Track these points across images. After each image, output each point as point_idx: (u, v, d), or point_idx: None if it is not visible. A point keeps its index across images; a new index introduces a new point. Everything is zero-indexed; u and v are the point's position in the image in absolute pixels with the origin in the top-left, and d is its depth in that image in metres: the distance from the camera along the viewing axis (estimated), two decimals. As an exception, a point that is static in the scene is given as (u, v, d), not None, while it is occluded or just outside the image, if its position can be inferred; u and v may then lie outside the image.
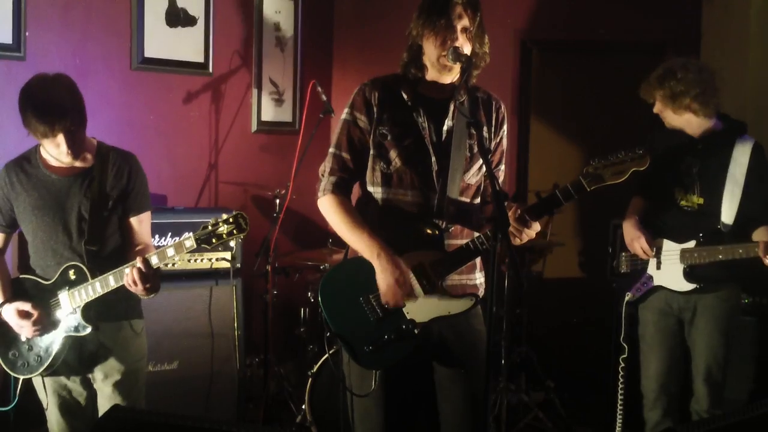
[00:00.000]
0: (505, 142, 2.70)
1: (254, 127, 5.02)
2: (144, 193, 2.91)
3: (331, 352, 2.69)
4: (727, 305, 3.29)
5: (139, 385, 2.92)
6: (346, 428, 2.70)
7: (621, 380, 3.55)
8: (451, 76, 2.56)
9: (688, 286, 3.26)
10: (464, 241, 2.50)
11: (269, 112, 5.10)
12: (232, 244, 2.61)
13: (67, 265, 2.76)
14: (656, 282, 3.37)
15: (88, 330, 2.75)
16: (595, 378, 4.43)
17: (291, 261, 4.46)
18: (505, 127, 2.68)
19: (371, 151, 2.56)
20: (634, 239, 3.38)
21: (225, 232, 2.57)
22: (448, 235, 2.52)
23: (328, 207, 2.57)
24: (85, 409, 2.92)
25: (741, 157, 3.23)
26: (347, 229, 2.53)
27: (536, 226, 2.39)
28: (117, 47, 4.35)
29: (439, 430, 2.61)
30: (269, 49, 5.06)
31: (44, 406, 2.92)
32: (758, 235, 3.18)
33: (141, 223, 2.90)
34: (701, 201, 3.27)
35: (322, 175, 2.61)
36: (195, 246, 2.59)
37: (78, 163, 2.79)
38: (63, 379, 2.87)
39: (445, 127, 2.56)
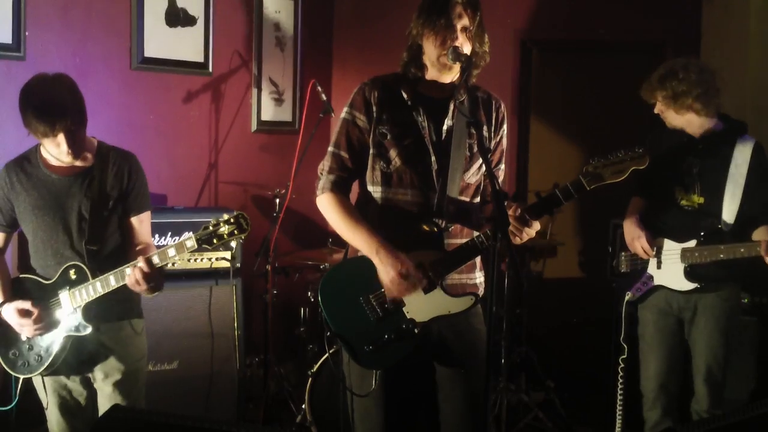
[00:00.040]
0: (504, 141, 2.70)
1: (254, 126, 5.02)
2: (144, 192, 2.91)
3: (331, 351, 2.69)
4: (728, 305, 3.29)
5: (139, 385, 2.92)
6: (346, 428, 2.70)
7: (621, 380, 3.55)
8: (451, 76, 2.56)
9: (689, 286, 3.26)
10: (464, 241, 2.50)
11: (269, 111, 5.10)
12: (233, 244, 2.60)
13: (67, 264, 2.76)
14: (657, 281, 3.37)
15: (89, 330, 2.75)
16: (595, 378, 4.43)
17: (291, 261, 4.46)
18: (504, 126, 2.68)
19: (371, 151, 2.56)
20: (635, 238, 3.38)
21: (226, 232, 2.57)
22: (447, 234, 2.52)
23: (326, 205, 2.57)
24: (85, 409, 2.92)
25: (742, 157, 3.23)
26: (346, 227, 2.53)
27: (536, 226, 2.39)
28: (117, 47, 4.35)
29: (439, 429, 2.60)
30: (269, 49, 5.06)
31: (44, 405, 2.92)
32: (759, 234, 3.18)
33: (141, 223, 2.90)
34: (702, 200, 3.27)
35: (321, 174, 2.61)
36: (196, 246, 2.59)
37: (78, 163, 2.79)
38: (63, 379, 2.87)
39: (444, 127, 2.56)
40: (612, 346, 3.83)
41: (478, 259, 2.63)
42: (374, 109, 2.55)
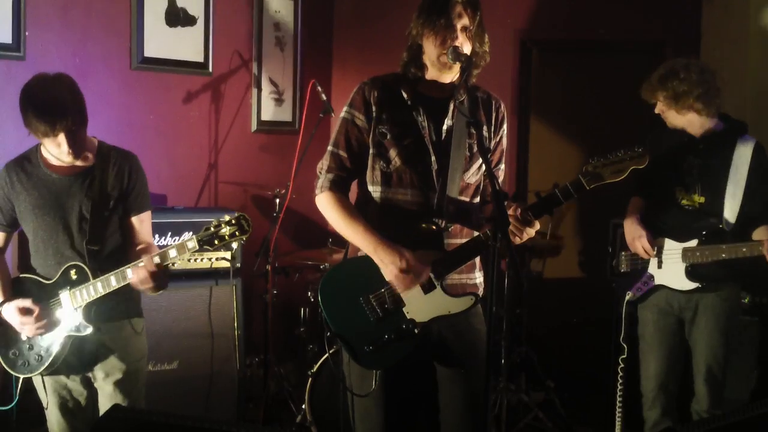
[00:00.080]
0: (504, 141, 2.70)
1: (254, 126, 5.02)
2: (144, 192, 2.92)
3: (331, 352, 2.69)
4: (728, 304, 3.29)
5: (139, 385, 2.92)
6: (346, 428, 2.70)
7: (620, 380, 3.55)
8: (451, 76, 2.56)
9: (690, 285, 3.26)
10: (464, 241, 2.50)
11: (269, 111, 5.10)
12: (234, 245, 2.60)
13: (68, 264, 2.76)
14: (657, 281, 3.37)
15: (89, 330, 2.75)
16: (595, 378, 4.43)
17: (291, 261, 4.46)
18: (504, 126, 2.68)
19: (371, 150, 2.56)
20: (636, 238, 3.38)
21: (227, 233, 2.57)
22: (447, 234, 2.52)
23: (325, 204, 2.57)
24: (85, 409, 2.92)
25: (742, 157, 3.24)
26: (345, 226, 2.54)
27: (536, 225, 2.40)
28: (117, 47, 4.35)
29: (439, 430, 2.60)
30: (269, 49, 5.06)
31: (44, 405, 2.92)
32: (759, 234, 3.18)
33: (142, 223, 2.90)
34: (702, 200, 3.27)
35: (320, 173, 2.61)
36: (197, 247, 2.59)
37: (79, 163, 2.79)
38: (63, 379, 2.87)
39: (444, 127, 2.56)
40: (612, 346, 3.83)
41: (477, 259, 2.63)
42: (374, 108, 2.55)
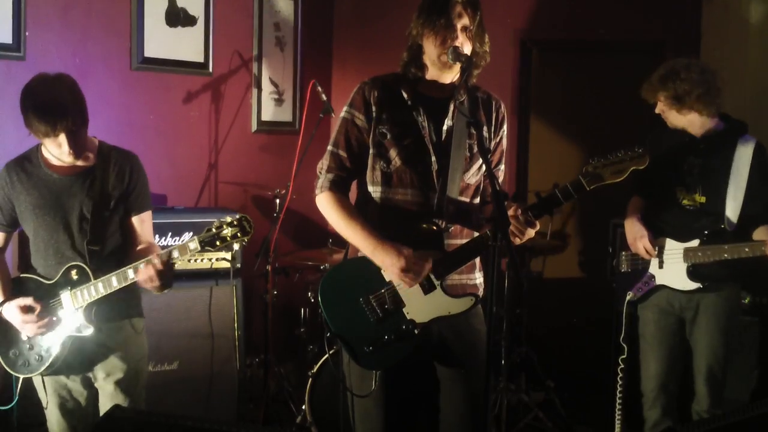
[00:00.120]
0: (504, 142, 2.70)
1: (254, 126, 5.02)
2: (145, 192, 2.92)
3: (331, 352, 2.69)
4: (729, 304, 3.30)
5: (140, 385, 2.92)
6: (347, 428, 2.70)
7: (620, 380, 3.55)
8: (451, 76, 2.56)
9: (692, 285, 3.26)
10: (464, 241, 2.50)
11: (269, 111, 5.10)
12: (236, 246, 2.60)
13: (69, 265, 2.76)
14: (658, 281, 3.37)
15: (90, 330, 2.75)
16: (595, 378, 4.43)
17: (291, 261, 4.46)
18: (504, 127, 2.68)
19: (371, 150, 2.56)
20: (637, 238, 3.38)
21: (229, 234, 2.57)
22: (447, 234, 2.52)
23: (325, 204, 2.57)
24: (85, 409, 2.92)
25: (743, 157, 3.24)
26: (344, 226, 2.54)
27: (536, 226, 2.40)
28: (117, 47, 4.35)
29: (439, 430, 2.61)
30: (269, 49, 5.06)
31: (44, 406, 2.92)
32: (760, 234, 3.18)
33: (143, 223, 2.90)
34: (703, 200, 3.28)
35: (320, 173, 2.61)
36: (199, 248, 2.59)
37: (80, 163, 2.79)
38: (63, 379, 2.87)
39: (444, 127, 2.56)
40: (612, 346, 3.83)
41: (477, 260, 2.63)
42: (374, 108, 2.55)
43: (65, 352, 2.77)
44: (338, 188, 2.57)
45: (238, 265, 4.11)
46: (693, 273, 3.26)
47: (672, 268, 3.32)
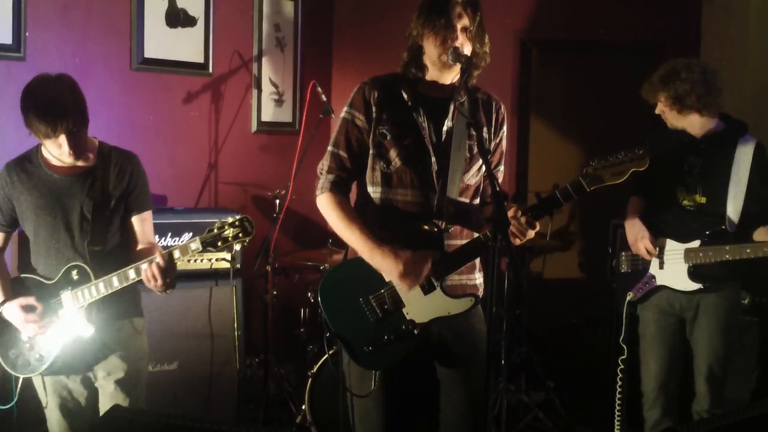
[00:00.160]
0: (504, 142, 2.70)
1: (254, 127, 5.02)
2: (146, 192, 2.92)
3: (330, 352, 2.69)
4: (729, 304, 3.30)
5: (140, 385, 2.92)
6: (346, 429, 2.70)
7: (620, 380, 3.55)
8: (452, 76, 2.56)
9: (693, 286, 3.26)
10: (464, 242, 2.50)
11: (269, 112, 5.10)
12: (237, 247, 2.60)
13: (69, 265, 2.76)
14: (659, 282, 3.37)
15: (91, 330, 2.75)
16: (595, 378, 4.43)
17: (291, 261, 4.46)
18: (504, 127, 2.68)
19: (371, 151, 2.56)
20: (639, 239, 3.38)
21: (231, 235, 2.57)
22: (447, 235, 2.52)
23: (325, 205, 2.57)
24: (85, 409, 2.92)
25: (744, 157, 3.24)
26: (344, 228, 2.54)
27: (536, 226, 2.40)
28: (117, 47, 4.35)
29: (439, 430, 2.61)
30: (269, 50, 5.06)
31: (44, 405, 2.92)
32: (760, 234, 3.18)
33: (144, 222, 2.90)
34: (704, 200, 3.28)
35: (321, 174, 2.61)
36: (201, 248, 2.59)
37: (80, 163, 2.80)
38: (63, 379, 2.87)
39: (444, 128, 2.56)
40: (612, 347, 3.83)
41: (477, 260, 2.63)
42: (374, 109, 2.55)
43: (65, 352, 2.77)
44: (339, 189, 2.57)
45: (238, 266, 4.11)
46: (694, 273, 3.26)
47: (672, 269, 3.32)
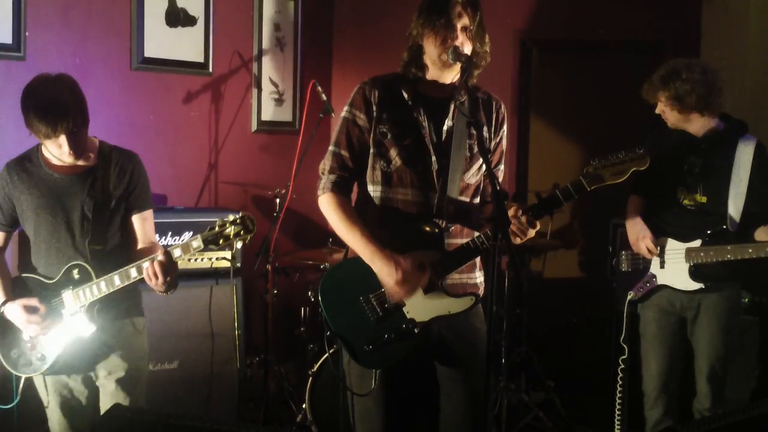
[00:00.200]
0: (504, 142, 2.70)
1: (254, 126, 5.02)
2: (146, 191, 2.92)
3: (331, 351, 2.69)
4: (729, 304, 3.30)
5: (141, 384, 2.92)
6: (347, 428, 2.70)
7: (620, 380, 3.55)
8: (452, 76, 2.56)
9: (694, 286, 3.26)
10: (464, 241, 2.50)
11: (269, 111, 5.10)
12: (239, 245, 2.61)
13: (70, 264, 2.76)
14: (660, 281, 3.37)
15: (92, 329, 2.75)
16: (595, 378, 4.43)
17: (291, 261, 4.46)
18: (505, 127, 2.68)
19: (371, 150, 2.56)
20: (640, 238, 3.38)
21: (232, 233, 2.57)
22: (447, 234, 2.52)
23: (327, 206, 2.57)
24: (86, 408, 2.92)
25: (744, 157, 3.24)
26: (345, 229, 2.53)
27: (537, 226, 2.40)
28: (117, 47, 4.35)
29: (439, 429, 2.61)
30: (269, 49, 5.06)
31: (45, 405, 2.92)
32: (761, 234, 3.18)
33: (145, 221, 2.90)
34: (704, 200, 3.28)
35: (322, 174, 2.61)
36: (202, 246, 2.59)
37: (80, 162, 2.79)
38: (64, 378, 2.87)
39: (445, 127, 2.56)
40: (612, 346, 3.83)
41: (478, 259, 2.63)
42: (374, 108, 2.55)
43: (67, 352, 2.77)
44: (340, 190, 2.57)
45: (238, 265, 4.11)
46: (695, 273, 3.26)
47: (673, 268, 3.32)
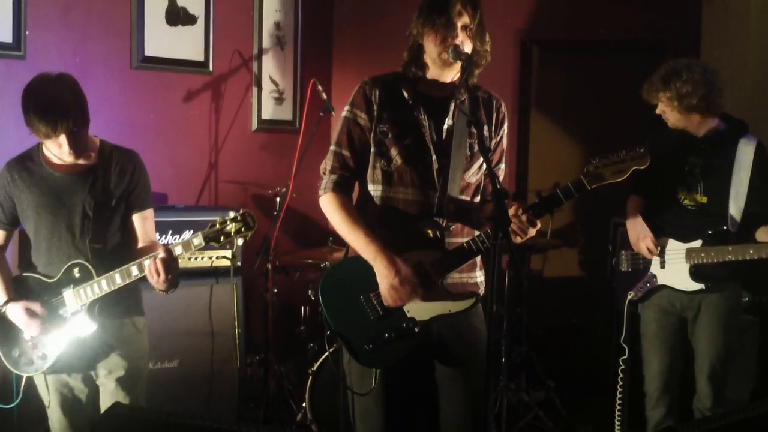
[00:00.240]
0: (505, 141, 2.70)
1: (254, 125, 5.02)
2: (147, 190, 2.93)
3: (331, 350, 2.69)
4: (730, 303, 3.30)
5: (141, 383, 2.93)
6: (347, 427, 2.70)
7: (620, 380, 3.55)
8: (452, 75, 2.56)
9: (695, 286, 3.26)
10: (464, 240, 2.50)
11: (269, 110, 5.10)
12: (240, 242, 2.61)
13: (71, 263, 2.76)
14: (660, 281, 3.37)
15: (93, 328, 2.75)
16: (595, 377, 4.43)
17: (291, 260, 4.46)
18: (505, 126, 2.68)
19: (372, 149, 2.56)
20: (641, 238, 3.38)
21: (233, 230, 2.58)
22: (448, 233, 2.52)
23: (328, 206, 2.57)
24: (86, 407, 2.92)
25: (745, 157, 3.24)
26: (347, 229, 2.53)
27: (537, 225, 2.40)
28: (117, 46, 4.35)
29: (439, 428, 2.61)
30: (269, 48, 5.06)
31: (46, 404, 2.92)
32: (762, 235, 3.18)
33: (145, 220, 2.91)
34: (705, 200, 3.28)
35: (324, 173, 2.61)
36: (204, 244, 2.60)
37: (81, 161, 2.80)
38: (65, 377, 2.88)
39: (445, 126, 2.56)
40: (612, 345, 3.83)
41: (478, 259, 2.63)
42: (375, 107, 2.55)
43: (68, 351, 2.78)
44: (341, 189, 2.57)
45: (239, 264, 4.11)
46: (695, 273, 3.26)
47: (674, 269, 3.32)
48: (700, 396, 3.34)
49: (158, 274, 2.61)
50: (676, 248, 3.31)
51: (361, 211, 2.58)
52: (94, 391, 2.90)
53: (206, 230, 2.60)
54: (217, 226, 2.59)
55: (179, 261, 2.67)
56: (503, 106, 2.68)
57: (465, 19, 2.48)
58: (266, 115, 5.07)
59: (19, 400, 2.90)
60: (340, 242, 3.92)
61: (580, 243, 5.17)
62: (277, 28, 5.10)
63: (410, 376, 2.57)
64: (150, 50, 4.45)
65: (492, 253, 2.17)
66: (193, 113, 4.70)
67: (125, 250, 2.86)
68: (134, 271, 2.67)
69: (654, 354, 3.43)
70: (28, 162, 2.84)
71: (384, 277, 2.43)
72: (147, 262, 2.63)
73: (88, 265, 2.75)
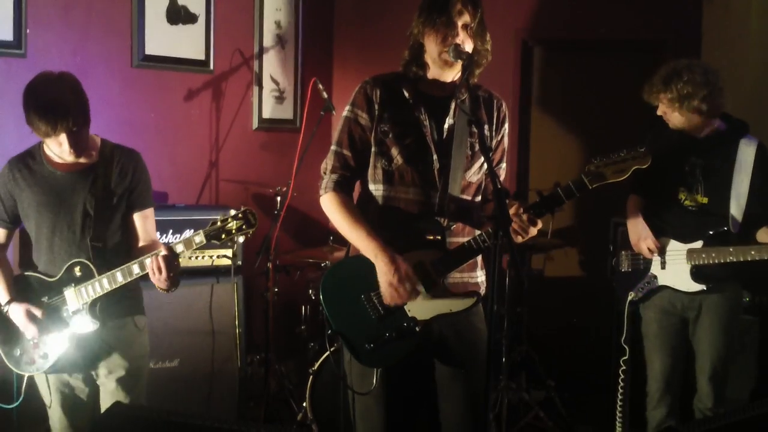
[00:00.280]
0: (506, 140, 2.70)
1: (255, 124, 5.02)
2: (148, 189, 2.92)
3: (332, 350, 2.69)
4: (730, 304, 3.30)
5: (141, 382, 2.93)
6: (347, 426, 2.70)
7: (621, 381, 3.55)
8: (453, 74, 2.56)
9: (696, 287, 3.26)
10: (465, 239, 2.50)
11: (270, 109, 5.10)
12: (241, 239, 2.62)
13: (72, 261, 2.76)
14: (661, 282, 3.37)
15: (94, 327, 2.75)
16: (595, 377, 4.43)
17: (292, 259, 4.46)
18: (506, 125, 2.68)
19: (373, 149, 2.56)
20: (642, 239, 3.37)
21: (234, 227, 2.58)
22: (449, 233, 2.52)
23: (329, 205, 2.57)
24: (86, 406, 2.92)
25: (745, 157, 3.24)
26: (348, 228, 2.53)
27: (538, 224, 2.40)
28: (117, 45, 4.35)
29: (439, 428, 2.61)
30: (270, 47, 5.06)
31: (47, 404, 2.92)
32: (763, 235, 3.18)
33: (146, 219, 2.91)
34: (705, 200, 3.28)
35: (324, 173, 2.60)
36: (204, 241, 2.60)
37: (82, 160, 2.80)
38: (66, 377, 2.88)
39: (446, 125, 2.56)
40: (613, 345, 3.83)
41: (479, 258, 2.63)
42: (376, 107, 2.55)
43: (69, 350, 2.78)
44: (342, 189, 2.57)
45: (239, 263, 4.11)
46: (696, 274, 3.25)
47: (675, 269, 3.32)
48: (700, 396, 3.34)
49: (160, 272, 2.61)
50: (676, 249, 3.31)
51: (362, 211, 2.58)
52: (94, 390, 2.90)
53: (208, 228, 2.60)
54: (219, 223, 2.60)
55: (180, 260, 2.67)
56: (504, 106, 2.68)
57: (466, 18, 2.48)
58: (267, 114, 5.07)
59: (20, 400, 2.90)
60: (340, 241, 3.93)
61: (578, 242, 5.18)
62: (278, 27, 5.10)
63: (411, 376, 2.57)
64: (150, 49, 4.45)
65: (493, 253, 2.17)
66: (193, 112, 4.70)
67: (126, 248, 2.86)
68: (136, 269, 2.68)
69: (656, 354, 3.43)
70: (30, 160, 2.84)
71: (384, 274, 2.43)
72: (148, 260, 2.63)
73: (89, 263, 2.75)
